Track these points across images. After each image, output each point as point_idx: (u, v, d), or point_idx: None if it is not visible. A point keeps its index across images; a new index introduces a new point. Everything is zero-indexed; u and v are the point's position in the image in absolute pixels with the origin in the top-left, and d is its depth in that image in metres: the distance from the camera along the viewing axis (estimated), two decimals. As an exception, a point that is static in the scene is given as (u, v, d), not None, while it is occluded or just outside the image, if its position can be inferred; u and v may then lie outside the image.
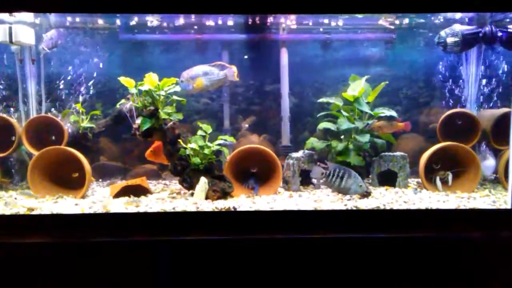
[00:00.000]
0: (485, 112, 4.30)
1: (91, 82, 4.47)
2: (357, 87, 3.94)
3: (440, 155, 3.94)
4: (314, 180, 4.21)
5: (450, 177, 3.89)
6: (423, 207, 3.26)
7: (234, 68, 3.95)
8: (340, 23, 4.45)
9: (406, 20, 4.36)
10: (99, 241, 2.73)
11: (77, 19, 4.27)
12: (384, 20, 4.35)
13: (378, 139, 4.08)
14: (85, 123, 4.10)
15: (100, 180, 4.57)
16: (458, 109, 4.31)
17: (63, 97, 4.43)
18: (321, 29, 4.55)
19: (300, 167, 4.06)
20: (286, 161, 4.12)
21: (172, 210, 3.16)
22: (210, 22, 4.37)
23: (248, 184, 3.90)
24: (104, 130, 4.23)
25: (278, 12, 3.91)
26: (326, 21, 4.41)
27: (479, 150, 4.20)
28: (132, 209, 3.23)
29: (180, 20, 4.35)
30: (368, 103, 4.00)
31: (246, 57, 4.75)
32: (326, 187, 4.19)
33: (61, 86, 4.43)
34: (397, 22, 4.38)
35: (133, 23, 4.38)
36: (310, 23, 4.48)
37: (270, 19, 4.38)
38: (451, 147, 3.92)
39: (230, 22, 4.35)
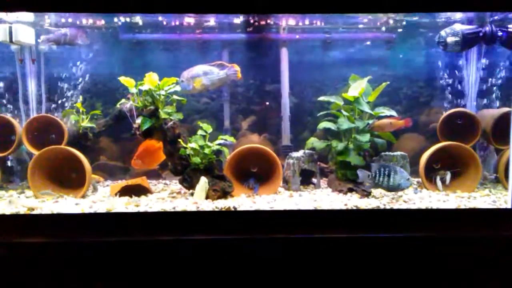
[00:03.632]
0: (485, 112, 4.30)
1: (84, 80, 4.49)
2: (359, 87, 3.93)
3: (440, 154, 3.94)
4: (314, 180, 4.22)
5: (448, 176, 3.89)
6: (423, 206, 3.26)
7: (236, 67, 3.95)
8: (340, 22, 4.45)
9: (406, 20, 4.36)
10: (99, 241, 2.73)
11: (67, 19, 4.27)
12: (384, 19, 4.35)
13: (378, 139, 4.08)
14: (86, 123, 4.10)
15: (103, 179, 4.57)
16: (458, 109, 4.30)
17: (63, 97, 4.43)
18: (322, 28, 4.55)
19: (300, 167, 4.06)
20: (287, 160, 4.12)
21: (172, 210, 3.16)
22: (210, 22, 4.36)
23: (248, 184, 3.91)
24: (104, 130, 4.23)
25: (278, 12, 3.90)
26: (326, 20, 4.41)
27: (481, 149, 4.21)
28: (132, 208, 3.23)
29: (181, 20, 4.34)
30: (368, 102, 4.00)
31: (246, 56, 4.75)
32: (326, 187, 4.20)
33: (62, 86, 4.44)
34: (397, 21, 4.38)
35: (133, 22, 4.37)
36: (310, 23, 4.47)
37: (271, 19, 4.37)
38: (451, 146, 3.92)
39: (231, 22, 4.35)
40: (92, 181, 4.02)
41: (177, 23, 4.38)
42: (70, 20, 4.21)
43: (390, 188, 3.50)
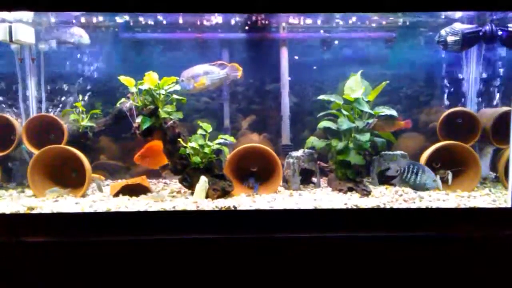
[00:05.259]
0: (485, 111, 4.30)
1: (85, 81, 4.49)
2: (354, 85, 3.93)
3: (440, 154, 3.94)
4: (314, 179, 4.23)
5: (450, 176, 3.88)
6: (423, 206, 3.26)
7: (236, 66, 3.94)
8: (341, 21, 4.45)
9: (407, 19, 4.36)
10: (98, 240, 2.73)
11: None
12: (385, 18, 4.36)
13: (378, 138, 4.08)
14: (85, 122, 4.10)
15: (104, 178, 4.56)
16: (458, 108, 4.30)
17: (63, 96, 4.44)
18: (321, 27, 4.55)
19: (300, 166, 4.06)
20: (286, 160, 4.12)
21: (172, 209, 3.16)
22: (210, 21, 4.36)
23: (248, 183, 3.91)
24: (104, 129, 4.23)
25: (277, 12, 3.90)
26: (326, 19, 4.42)
27: (479, 148, 4.21)
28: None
29: (181, 19, 4.34)
30: (368, 102, 4.00)
31: (246, 56, 4.74)
32: (326, 186, 4.20)
33: (62, 85, 4.44)
34: (397, 20, 4.38)
35: (133, 21, 4.37)
36: (311, 22, 4.48)
37: (270, 18, 4.37)
38: (451, 146, 3.92)
39: (231, 21, 4.35)
40: (96, 180, 4.02)
41: (177, 22, 4.38)
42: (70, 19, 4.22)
43: (416, 187, 3.48)
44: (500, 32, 3.93)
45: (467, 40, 3.97)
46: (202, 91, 4.09)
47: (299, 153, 4.14)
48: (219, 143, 3.76)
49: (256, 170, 4.07)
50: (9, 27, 3.81)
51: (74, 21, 4.22)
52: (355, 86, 3.94)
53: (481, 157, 4.22)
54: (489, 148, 4.30)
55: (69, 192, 3.68)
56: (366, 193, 3.64)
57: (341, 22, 4.48)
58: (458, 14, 4.11)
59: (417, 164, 3.46)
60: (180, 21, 4.37)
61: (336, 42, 4.67)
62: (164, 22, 4.39)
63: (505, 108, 4.13)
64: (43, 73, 4.33)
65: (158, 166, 4.07)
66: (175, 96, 3.78)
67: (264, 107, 4.82)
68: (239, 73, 3.94)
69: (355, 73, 4.09)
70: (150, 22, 4.39)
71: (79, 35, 4.22)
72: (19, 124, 4.14)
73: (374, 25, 4.48)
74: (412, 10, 3.89)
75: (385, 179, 4.04)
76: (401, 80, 4.74)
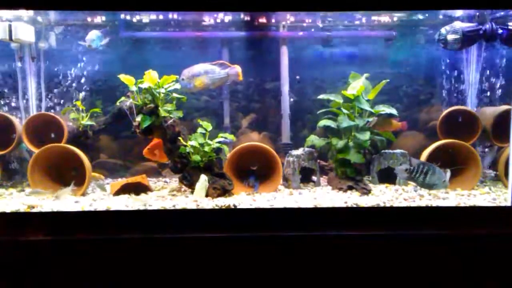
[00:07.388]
0: (486, 110, 4.30)
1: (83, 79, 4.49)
2: (357, 85, 3.93)
3: (440, 152, 3.93)
4: (314, 178, 4.23)
5: (448, 173, 3.88)
6: (423, 204, 3.26)
7: (238, 68, 3.95)
8: (341, 20, 4.44)
9: (407, 17, 4.35)
10: (98, 239, 2.74)
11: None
12: (385, 17, 4.35)
13: (378, 137, 4.08)
14: (85, 121, 4.10)
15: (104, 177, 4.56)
16: (458, 107, 4.30)
17: (63, 95, 4.43)
18: (321, 26, 4.54)
19: (300, 165, 4.06)
20: (286, 158, 4.12)
21: (172, 208, 3.16)
22: (210, 20, 4.36)
23: (248, 182, 3.91)
24: (104, 128, 4.23)
25: (277, 10, 3.89)
26: (326, 18, 4.41)
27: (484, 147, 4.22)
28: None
29: (181, 17, 4.33)
30: (368, 100, 4.00)
31: (246, 55, 4.74)
32: (326, 185, 4.20)
33: (62, 84, 4.44)
34: (397, 18, 4.38)
35: (133, 20, 4.37)
36: (310, 21, 4.47)
37: (271, 17, 4.37)
38: (451, 144, 3.91)
39: (231, 20, 4.34)
40: (98, 180, 4.01)
41: (177, 20, 4.37)
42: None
43: (425, 186, 3.48)
44: (500, 31, 3.92)
45: (467, 39, 3.96)
46: (203, 90, 4.08)
47: (299, 151, 4.14)
48: (219, 142, 3.76)
49: (256, 169, 4.07)
50: (9, 26, 3.80)
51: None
52: (358, 86, 3.93)
53: (489, 155, 4.24)
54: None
55: (70, 191, 3.68)
56: (366, 191, 3.64)
57: (341, 21, 4.47)
58: (458, 12, 4.10)
59: (427, 164, 3.44)
60: (181, 19, 4.35)
61: (336, 40, 4.67)
62: (164, 20, 4.37)
63: (505, 107, 4.13)
64: (43, 71, 4.33)
65: (166, 159, 4.09)
66: (175, 94, 3.78)
67: (264, 105, 4.82)
68: (239, 76, 3.95)
69: (355, 72, 4.09)
70: (150, 20, 4.38)
71: (92, 39, 4.22)
72: (19, 123, 4.13)
73: (375, 19, 4.46)
74: (412, 9, 3.89)
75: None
76: (401, 78, 4.73)
